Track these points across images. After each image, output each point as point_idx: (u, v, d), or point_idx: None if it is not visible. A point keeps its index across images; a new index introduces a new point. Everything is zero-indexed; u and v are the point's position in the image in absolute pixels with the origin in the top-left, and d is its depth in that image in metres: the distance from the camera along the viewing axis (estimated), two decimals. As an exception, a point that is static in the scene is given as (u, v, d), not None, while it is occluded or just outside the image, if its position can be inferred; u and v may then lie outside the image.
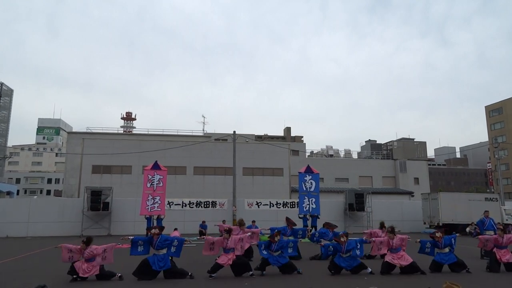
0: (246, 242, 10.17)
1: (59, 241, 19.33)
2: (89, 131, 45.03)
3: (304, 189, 21.50)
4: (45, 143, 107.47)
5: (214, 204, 25.95)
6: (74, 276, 8.96)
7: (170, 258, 9.62)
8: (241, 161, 34.30)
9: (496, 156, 41.12)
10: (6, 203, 25.98)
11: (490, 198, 27.02)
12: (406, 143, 61.28)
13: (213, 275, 9.52)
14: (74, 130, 56.98)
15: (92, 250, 9.10)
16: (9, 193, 58.64)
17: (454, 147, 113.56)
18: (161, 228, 9.86)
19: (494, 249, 10.88)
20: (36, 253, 15.01)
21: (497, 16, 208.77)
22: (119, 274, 9.35)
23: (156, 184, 19.01)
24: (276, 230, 11.19)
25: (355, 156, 60.97)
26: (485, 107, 76.87)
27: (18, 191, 72.06)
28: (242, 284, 8.91)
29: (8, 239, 21.56)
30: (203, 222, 22.88)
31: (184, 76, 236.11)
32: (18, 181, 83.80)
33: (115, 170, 36.94)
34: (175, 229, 13.90)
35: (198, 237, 17.19)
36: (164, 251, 9.57)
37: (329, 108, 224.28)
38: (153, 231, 9.69)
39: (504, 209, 27.05)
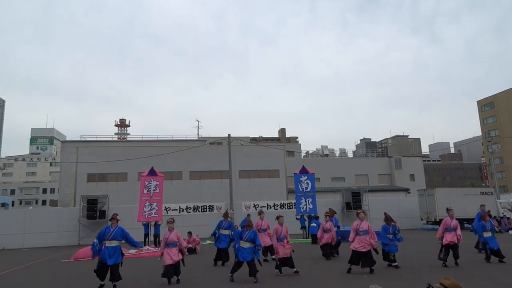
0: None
1: (56, 252, 19.25)
2: (83, 139, 44.74)
3: (300, 189, 21.47)
4: (39, 153, 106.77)
5: (211, 208, 25.89)
6: None
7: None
8: (237, 164, 34.26)
9: (489, 150, 41.49)
10: (1, 214, 25.68)
11: (485, 192, 27.17)
12: (400, 140, 61.40)
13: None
14: (67, 139, 56.63)
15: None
16: (4, 205, 58.08)
17: (448, 143, 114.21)
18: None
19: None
20: (33, 264, 14.87)
21: (484, 11, 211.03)
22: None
23: (153, 190, 18.95)
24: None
25: (350, 155, 61.02)
26: (477, 101, 77.57)
27: (13, 202, 71.40)
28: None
29: (4, 251, 21.36)
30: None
31: (176, 81, 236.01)
32: (12, 192, 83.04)
33: (110, 178, 36.76)
34: (189, 233, 15.65)
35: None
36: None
37: (323, 108, 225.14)
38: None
39: (500, 203, 27.26)
